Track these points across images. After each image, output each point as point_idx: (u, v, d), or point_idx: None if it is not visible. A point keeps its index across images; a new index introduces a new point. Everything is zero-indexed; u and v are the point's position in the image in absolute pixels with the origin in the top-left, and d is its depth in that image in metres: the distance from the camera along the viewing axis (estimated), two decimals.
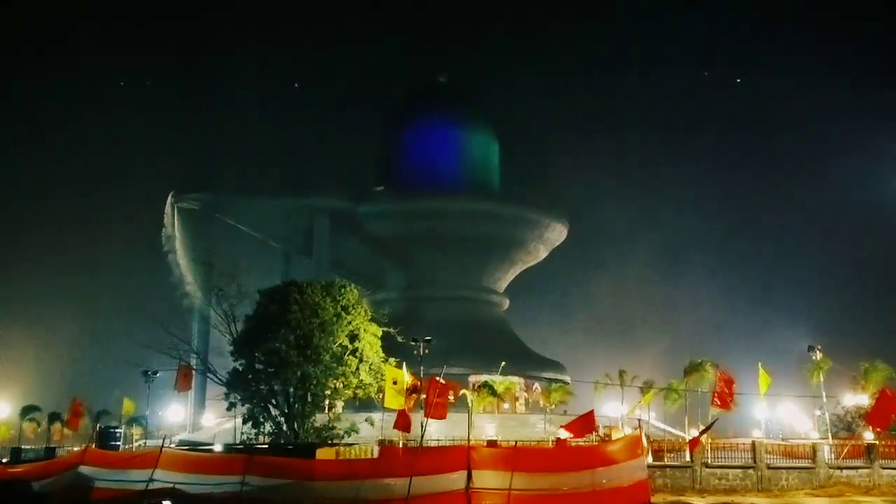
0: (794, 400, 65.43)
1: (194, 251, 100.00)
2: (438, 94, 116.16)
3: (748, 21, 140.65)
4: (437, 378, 36.47)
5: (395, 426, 42.65)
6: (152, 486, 24.72)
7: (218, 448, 38.15)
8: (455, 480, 23.23)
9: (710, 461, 42.17)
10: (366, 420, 50.47)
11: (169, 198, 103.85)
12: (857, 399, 57.89)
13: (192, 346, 61.90)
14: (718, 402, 47.95)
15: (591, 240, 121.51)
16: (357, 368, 47.68)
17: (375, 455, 40.93)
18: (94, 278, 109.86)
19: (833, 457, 43.67)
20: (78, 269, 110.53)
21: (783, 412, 70.08)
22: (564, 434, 41.46)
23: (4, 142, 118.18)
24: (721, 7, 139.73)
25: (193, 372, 58.20)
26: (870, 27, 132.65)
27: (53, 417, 65.54)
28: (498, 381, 73.55)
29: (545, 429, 65.66)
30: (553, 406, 78.15)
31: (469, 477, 23.10)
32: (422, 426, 35.06)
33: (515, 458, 24.53)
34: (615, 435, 47.90)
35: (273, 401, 47.44)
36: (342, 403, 55.18)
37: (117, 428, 49.22)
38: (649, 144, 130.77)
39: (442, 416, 38.48)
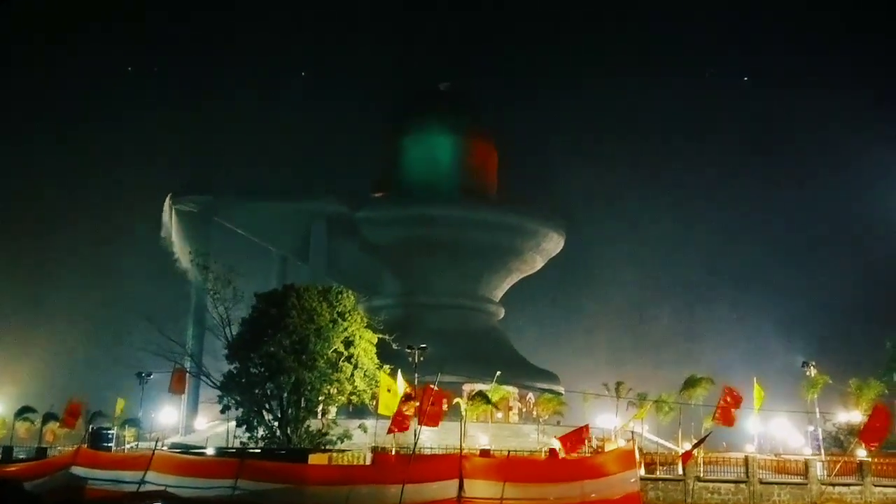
0: (787, 415, 65.49)
1: (191, 253, 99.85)
2: (438, 101, 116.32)
3: (753, 25, 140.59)
4: (432, 386, 36.58)
5: (390, 430, 42.69)
6: (144, 487, 24.72)
7: (210, 451, 38.14)
8: (447, 489, 23.26)
9: (702, 475, 42.26)
10: (359, 426, 50.39)
11: (167, 199, 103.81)
12: (850, 416, 57.97)
13: (187, 349, 61.73)
14: (720, 418, 47.69)
15: (587, 251, 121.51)
16: (352, 375, 47.71)
17: (368, 462, 41.03)
18: (91, 279, 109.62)
19: (825, 473, 43.74)
20: (74, 270, 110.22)
21: (776, 427, 70.08)
22: (557, 444, 41.49)
23: (2, 143, 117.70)
24: (725, 11, 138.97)
25: (187, 374, 58.27)
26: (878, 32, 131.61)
27: (48, 418, 65.12)
28: (493, 388, 73.37)
29: (538, 439, 65.54)
30: (546, 416, 78.04)
31: (461, 486, 23.12)
32: (415, 434, 35.06)
33: (508, 468, 24.58)
34: (608, 447, 47.92)
35: (267, 405, 47.40)
36: (336, 409, 55.14)
37: (110, 429, 49.13)
38: (649, 156, 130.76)
39: (434, 424, 38.61)
